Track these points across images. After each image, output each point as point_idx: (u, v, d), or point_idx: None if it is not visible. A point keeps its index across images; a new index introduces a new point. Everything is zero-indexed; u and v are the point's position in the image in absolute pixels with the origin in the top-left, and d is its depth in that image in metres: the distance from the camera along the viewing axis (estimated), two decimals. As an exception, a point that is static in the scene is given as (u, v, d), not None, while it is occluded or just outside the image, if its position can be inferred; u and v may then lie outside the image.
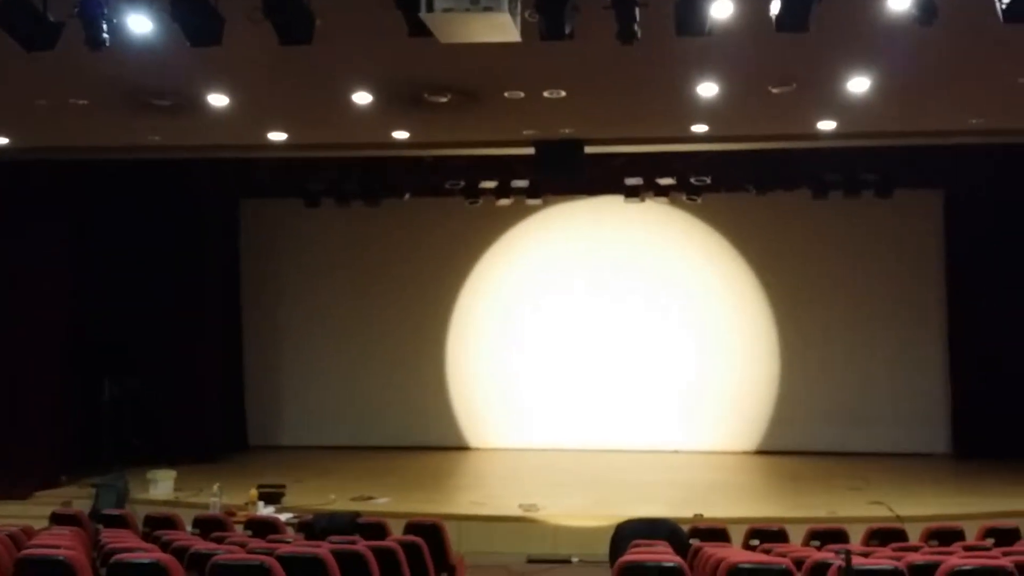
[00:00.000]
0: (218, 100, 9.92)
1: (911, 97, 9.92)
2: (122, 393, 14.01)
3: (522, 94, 9.85)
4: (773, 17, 6.48)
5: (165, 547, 6.90)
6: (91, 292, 14.34)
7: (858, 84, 9.37)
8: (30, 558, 6.08)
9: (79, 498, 12.13)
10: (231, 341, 16.72)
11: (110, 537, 7.37)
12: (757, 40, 7.55)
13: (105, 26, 6.62)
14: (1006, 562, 5.92)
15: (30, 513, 10.59)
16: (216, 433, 15.57)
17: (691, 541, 8.35)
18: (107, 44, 6.68)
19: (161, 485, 12.39)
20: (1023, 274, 14.65)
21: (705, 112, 10.49)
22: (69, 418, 13.67)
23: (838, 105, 10.14)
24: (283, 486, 11.60)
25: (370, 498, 12.05)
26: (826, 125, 11.07)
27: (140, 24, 6.92)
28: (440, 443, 16.53)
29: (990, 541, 7.89)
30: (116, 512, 9.44)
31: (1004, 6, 6.14)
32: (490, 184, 14.73)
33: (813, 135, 11.47)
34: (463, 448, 16.69)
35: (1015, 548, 7.24)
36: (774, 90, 9.57)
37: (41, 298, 13.27)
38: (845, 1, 6.81)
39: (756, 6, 6.73)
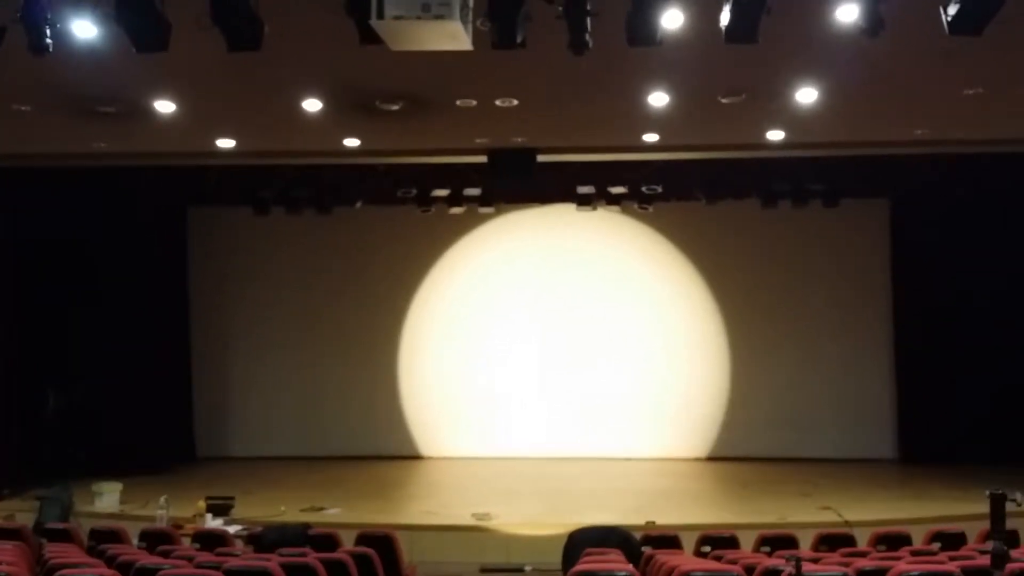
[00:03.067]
0: (165, 107, 9.79)
1: (858, 108, 10.06)
2: (66, 403, 13.77)
3: (474, 102, 9.84)
4: (723, 28, 6.53)
5: (110, 562, 6.76)
6: (34, 301, 14.06)
7: (806, 95, 9.49)
8: (-31, 575, 5.94)
9: (22, 511, 11.85)
10: (178, 350, 16.49)
11: (54, 552, 7.21)
12: (707, 51, 7.60)
13: (48, 31, 6.48)
14: (952, 567, 6.00)
15: (-29, 528, 10.34)
16: (163, 444, 15.31)
17: (643, 548, 8.37)
18: (50, 50, 6.54)
19: (107, 497, 12.16)
20: (968, 280, 14.88)
21: (656, 121, 10.57)
22: (11, 430, 13.38)
23: (787, 116, 10.26)
24: (232, 498, 11.41)
25: (321, 509, 11.94)
26: (775, 135, 11.20)
27: (85, 29, 6.79)
28: (392, 452, 16.42)
29: (936, 545, 8.00)
30: (60, 526, 9.24)
31: (949, 18, 6.25)
32: (442, 192, 14.69)
33: (762, 145, 11.60)
34: (415, 457, 16.60)
35: (961, 552, 7.33)
36: (724, 100, 9.67)
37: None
38: (794, 13, 6.87)
39: (706, 17, 6.78)
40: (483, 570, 10.52)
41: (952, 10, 6.19)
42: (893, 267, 15.89)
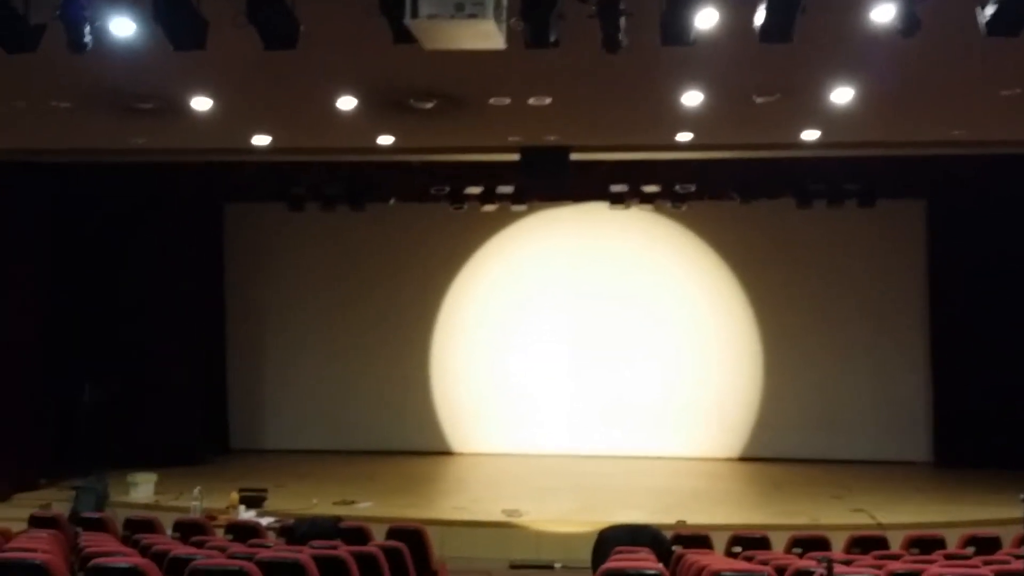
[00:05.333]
0: (202, 104, 9.88)
1: (894, 108, 9.97)
2: (103, 396, 13.94)
3: (508, 100, 9.85)
4: (757, 27, 6.50)
5: (144, 551, 6.85)
6: (72, 295, 14.27)
7: (842, 94, 9.41)
8: (5, 562, 6.03)
9: (59, 500, 12.05)
10: (214, 344, 16.65)
11: (89, 541, 7.32)
12: (741, 50, 7.57)
13: (87, 29, 6.57)
14: (986, 571, 5.95)
15: (9, 515, 10.50)
16: (198, 436, 15.49)
17: (673, 548, 8.36)
18: (89, 47, 6.64)
19: (142, 488, 12.33)
20: (1004, 283, 14.73)
21: (690, 120, 10.52)
22: (49, 421, 13.61)
23: (822, 115, 10.18)
24: (265, 490, 11.56)
25: (352, 503, 12.02)
26: (810, 135, 11.12)
27: (123, 27, 6.89)
28: (424, 448, 16.49)
29: (971, 550, 7.93)
30: (95, 515, 9.37)
31: (986, 19, 6.19)
32: (475, 190, 14.74)
33: (797, 145, 11.53)
34: (447, 453, 16.65)
35: (995, 557, 7.27)
36: (758, 99, 9.61)
37: (20, 301, 13.19)
38: (829, 12, 6.83)
39: (741, 16, 6.75)
40: (513, 566, 10.55)
41: (989, 11, 6.14)
42: (929, 268, 15.74)
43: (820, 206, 14.48)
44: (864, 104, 9.63)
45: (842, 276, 16.02)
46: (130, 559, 6.25)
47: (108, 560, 6.08)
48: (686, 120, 10.50)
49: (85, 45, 6.60)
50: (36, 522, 8.67)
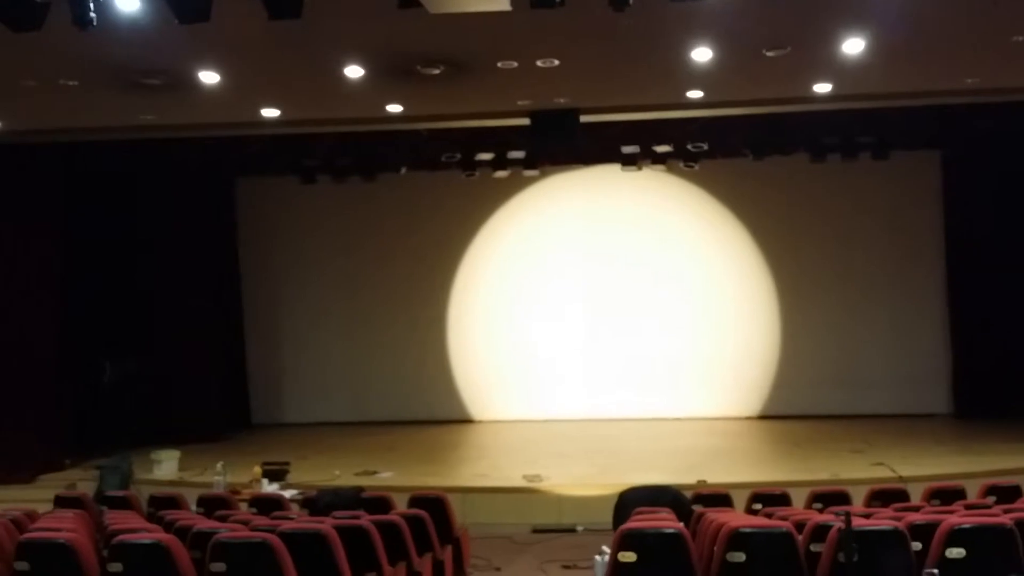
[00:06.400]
0: (209, 77, 9.85)
1: (906, 57, 9.84)
2: (123, 375, 14.03)
3: (515, 64, 9.77)
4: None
5: (168, 527, 6.90)
6: (89, 275, 14.31)
7: (853, 45, 9.29)
8: (32, 541, 6.09)
9: (84, 480, 12.16)
10: (232, 319, 16.72)
11: (114, 518, 7.38)
12: (750, 3, 7.48)
13: (92, 5, 6.54)
14: (1006, 519, 5.93)
15: (34, 497, 10.62)
16: (219, 412, 15.59)
17: (694, 507, 8.37)
18: (95, 23, 6.60)
19: (165, 465, 12.42)
20: (1022, 232, 14.60)
21: (700, 77, 10.42)
22: (72, 401, 13.69)
23: (833, 67, 10.07)
24: (287, 463, 11.61)
25: (374, 473, 12.09)
26: (822, 88, 11.01)
27: (127, 2, 6.86)
28: (443, 416, 16.55)
29: (991, 499, 7.91)
30: (120, 493, 9.44)
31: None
32: (486, 156, 14.65)
33: (809, 98, 11.41)
34: (466, 421, 16.71)
35: (1016, 505, 7.26)
36: (769, 53, 9.50)
37: (36, 281, 13.21)
38: (837, -39, 6.74)
39: (748, -32, 6.67)
40: (535, 531, 10.61)
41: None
42: (946, 219, 15.60)
43: (834, 160, 14.31)
44: (876, 55, 9.51)
45: (857, 229, 15.91)
46: (154, 535, 6.29)
47: (132, 537, 6.13)
48: (696, 77, 10.39)
49: (90, 21, 6.56)
50: (61, 502, 8.76)
